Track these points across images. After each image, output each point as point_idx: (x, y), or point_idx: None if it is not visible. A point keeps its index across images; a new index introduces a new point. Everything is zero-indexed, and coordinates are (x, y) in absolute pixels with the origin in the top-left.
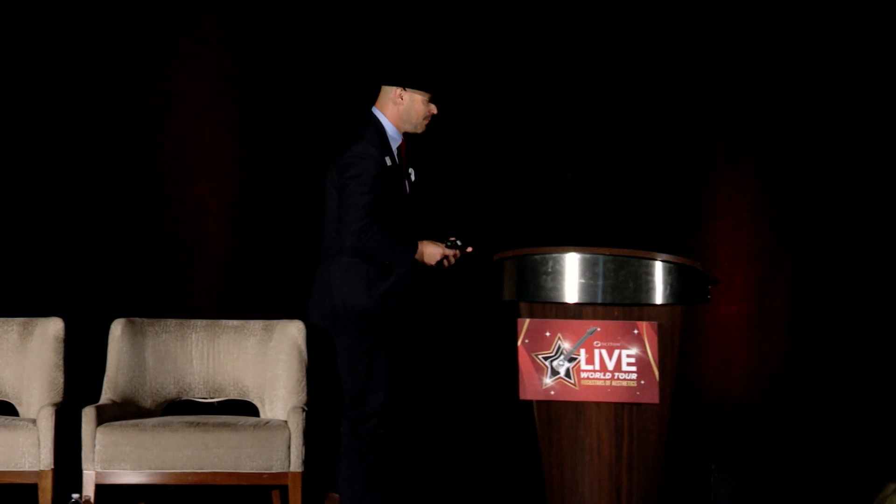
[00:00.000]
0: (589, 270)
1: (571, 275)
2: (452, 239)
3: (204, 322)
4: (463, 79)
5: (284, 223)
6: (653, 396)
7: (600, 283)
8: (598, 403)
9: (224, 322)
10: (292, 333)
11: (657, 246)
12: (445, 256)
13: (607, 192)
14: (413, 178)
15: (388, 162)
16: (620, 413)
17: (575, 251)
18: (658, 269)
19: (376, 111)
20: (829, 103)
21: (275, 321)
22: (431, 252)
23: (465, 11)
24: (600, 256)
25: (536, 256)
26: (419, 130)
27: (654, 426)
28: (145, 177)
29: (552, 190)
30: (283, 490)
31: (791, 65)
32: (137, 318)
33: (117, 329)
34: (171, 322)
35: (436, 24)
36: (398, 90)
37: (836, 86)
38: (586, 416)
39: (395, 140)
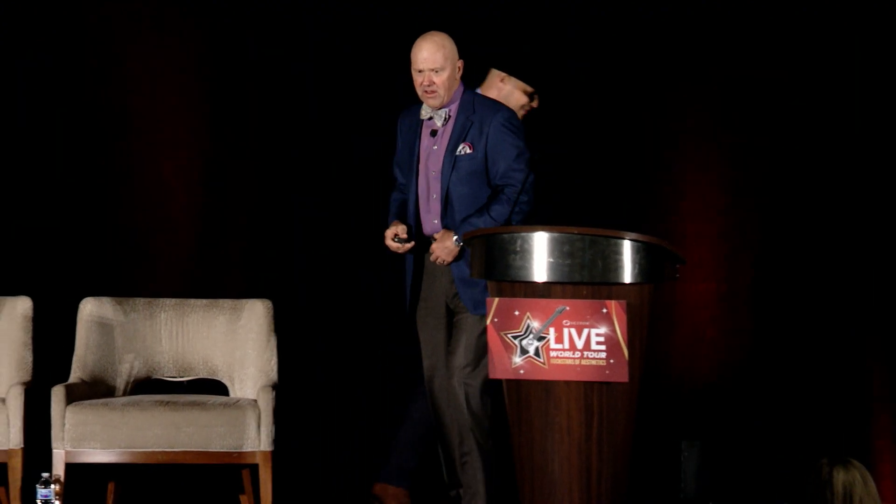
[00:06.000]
0: (557, 249)
1: (540, 254)
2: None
3: (172, 301)
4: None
5: (252, 202)
6: (622, 375)
7: (569, 262)
8: (567, 382)
9: (192, 301)
10: (261, 312)
11: (625, 225)
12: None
13: (576, 171)
14: None
15: None
16: (590, 392)
17: (543, 230)
18: (626, 247)
19: (479, 92)
20: (792, 78)
21: (244, 300)
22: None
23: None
24: (569, 235)
25: (505, 235)
26: None
27: (624, 405)
28: (113, 155)
29: None
30: (254, 469)
31: (753, 42)
32: (106, 297)
33: (86, 308)
34: (140, 301)
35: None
36: (501, 75)
37: (797, 60)
38: (556, 395)
39: None
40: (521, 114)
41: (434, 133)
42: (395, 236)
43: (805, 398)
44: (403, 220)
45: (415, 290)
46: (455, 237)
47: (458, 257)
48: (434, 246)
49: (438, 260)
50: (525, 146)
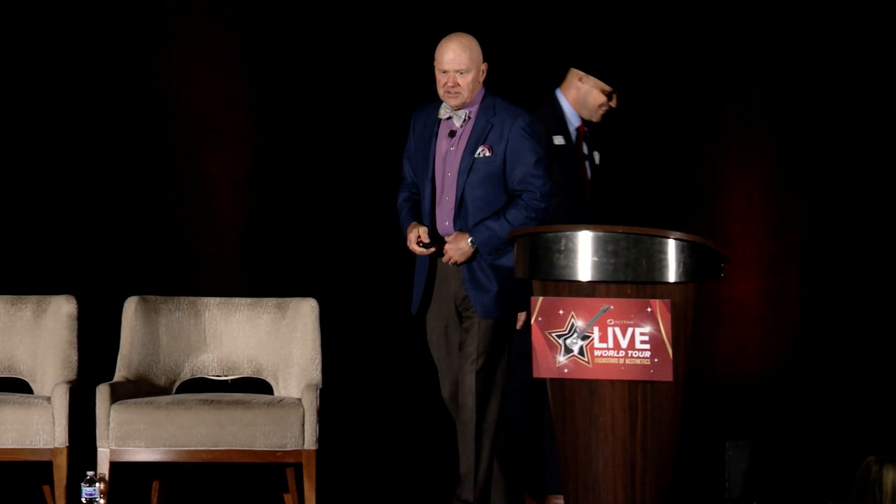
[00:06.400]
0: (602, 248)
1: (584, 253)
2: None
3: (217, 300)
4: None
5: (298, 201)
6: (666, 374)
7: (613, 260)
8: (611, 381)
9: (237, 300)
10: (306, 311)
11: (669, 223)
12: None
13: (620, 170)
14: (597, 160)
15: (560, 141)
16: (634, 391)
17: (588, 229)
18: (671, 246)
19: (559, 92)
20: (838, 77)
21: (288, 299)
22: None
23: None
24: (613, 234)
25: (549, 234)
26: (594, 119)
27: (668, 404)
28: (158, 154)
29: None
30: (298, 468)
31: (798, 41)
32: (151, 296)
33: (131, 307)
34: (185, 300)
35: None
36: (579, 74)
37: (842, 58)
38: (600, 394)
39: (572, 122)
40: (599, 113)
41: (452, 134)
42: (418, 239)
43: (851, 397)
44: (420, 221)
45: (427, 291)
46: (469, 239)
47: (471, 259)
48: (447, 247)
49: (451, 261)
50: (545, 153)
